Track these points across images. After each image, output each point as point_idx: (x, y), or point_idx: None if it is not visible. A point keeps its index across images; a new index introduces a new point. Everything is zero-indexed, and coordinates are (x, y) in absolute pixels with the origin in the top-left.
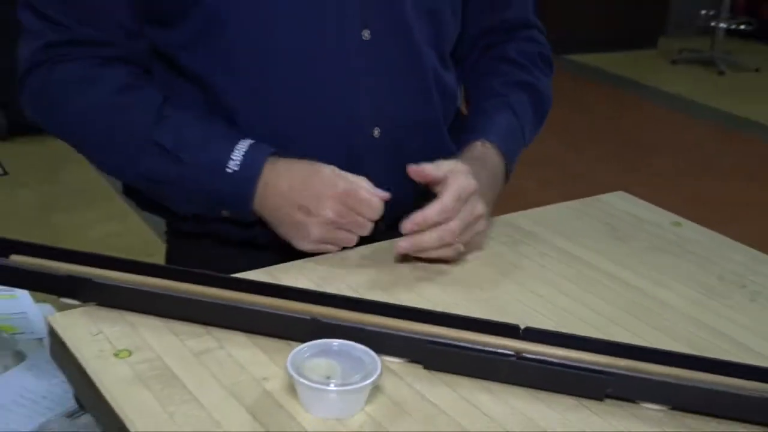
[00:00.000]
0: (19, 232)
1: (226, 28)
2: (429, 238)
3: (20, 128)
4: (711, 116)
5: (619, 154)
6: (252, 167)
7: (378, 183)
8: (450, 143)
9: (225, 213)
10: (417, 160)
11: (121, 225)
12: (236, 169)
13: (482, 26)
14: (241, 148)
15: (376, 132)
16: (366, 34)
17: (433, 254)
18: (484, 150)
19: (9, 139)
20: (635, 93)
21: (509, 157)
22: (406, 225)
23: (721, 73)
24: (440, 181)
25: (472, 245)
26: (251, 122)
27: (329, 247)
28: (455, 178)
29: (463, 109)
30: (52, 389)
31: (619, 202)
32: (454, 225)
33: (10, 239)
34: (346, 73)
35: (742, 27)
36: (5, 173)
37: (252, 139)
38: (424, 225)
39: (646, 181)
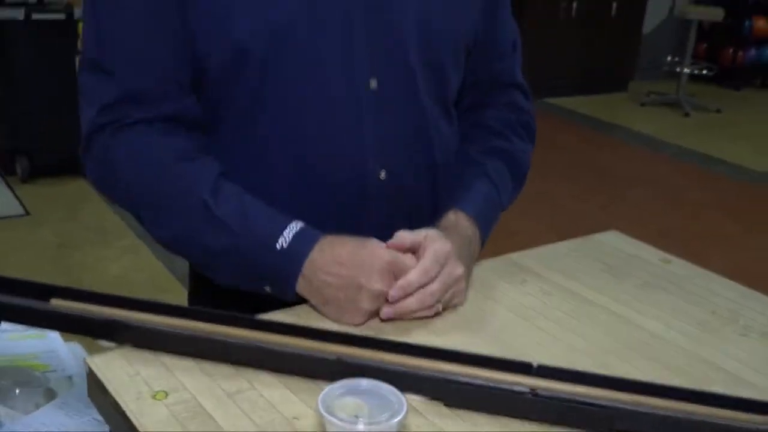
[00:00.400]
0: (41, 269)
1: (245, 77)
2: (410, 302)
3: (41, 171)
4: (679, 154)
5: (595, 190)
6: (302, 246)
7: (384, 224)
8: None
9: (267, 289)
10: (421, 203)
11: (136, 261)
12: (285, 246)
13: (470, 78)
14: (294, 227)
15: (383, 174)
16: (373, 84)
17: (414, 316)
18: (456, 219)
19: (30, 182)
20: (608, 133)
21: (482, 223)
22: (393, 293)
23: (686, 114)
24: (418, 247)
25: (451, 304)
26: (264, 164)
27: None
28: (431, 241)
29: None
30: (83, 427)
31: (612, 240)
32: (434, 287)
33: (50, 284)
34: (355, 119)
35: (704, 72)
36: (27, 213)
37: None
38: (409, 290)
39: (623, 215)
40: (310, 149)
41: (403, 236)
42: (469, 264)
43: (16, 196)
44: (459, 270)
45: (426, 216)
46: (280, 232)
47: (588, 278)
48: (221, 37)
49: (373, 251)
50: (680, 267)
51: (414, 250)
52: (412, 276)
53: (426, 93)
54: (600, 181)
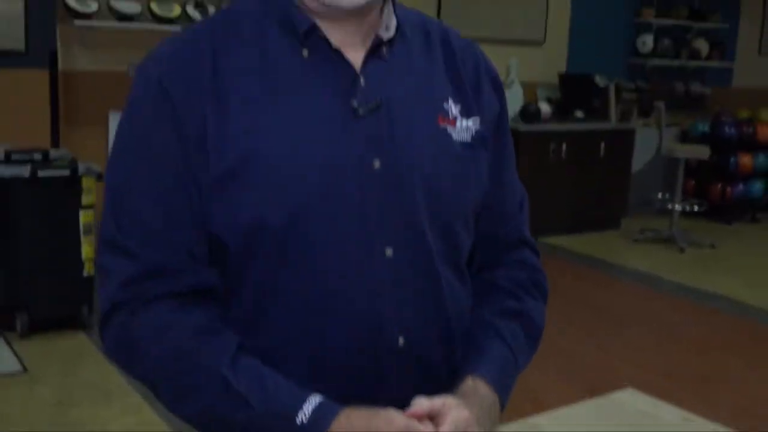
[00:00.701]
0: (39, 428)
1: (264, 250)
2: None
3: (40, 326)
4: (675, 290)
5: (593, 328)
6: (321, 419)
7: (401, 390)
8: (461, 354)
9: None
10: (439, 368)
11: (138, 420)
12: (305, 421)
13: (480, 239)
14: (314, 400)
15: (401, 341)
16: (389, 252)
17: None
18: (474, 385)
19: (29, 337)
20: (603, 271)
21: (500, 388)
22: None
23: (681, 250)
24: (436, 414)
25: None
26: (283, 332)
27: None
28: (450, 409)
29: None
30: None
31: (629, 399)
32: None
33: None
34: (373, 286)
35: (695, 208)
36: (25, 370)
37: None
38: None
39: (624, 356)
40: (330, 317)
41: (421, 403)
42: (490, 431)
43: (14, 353)
44: None
45: (443, 381)
46: (300, 406)
47: None
48: (238, 218)
49: (390, 420)
50: (702, 426)
51: (433, 418)
52: (443, 428)
53: (439, 258)
54: (597, 320)
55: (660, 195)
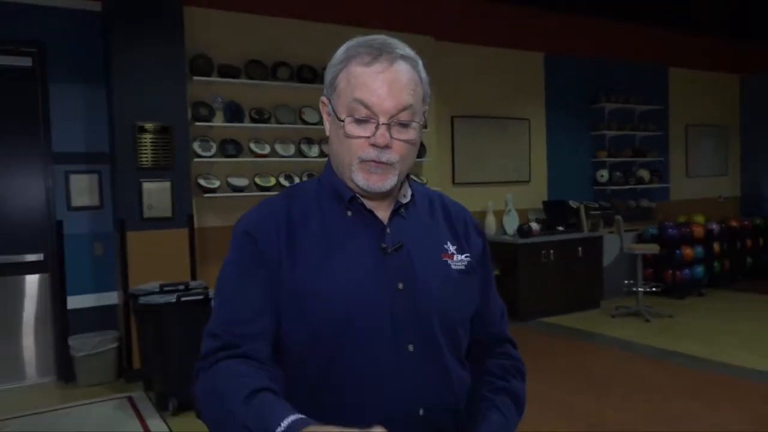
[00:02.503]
0: None
1: (320, 347)
2: None
3: (184, 407)
4: (646, 351)
5: (587, 387)
6: (293, 428)
7: None
8: (466, 421)
9: None
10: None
11: None
12: (282, 430)
13: (474, 338)
14: (291, 418)
15: (421, 411)
16: (411, 348)
17: None
18: None
19: (177, 414)
20: (588, 340)
21: None
22: None
23: (647, 320)
24: None
25: None
26: (340, 401)
27: None
28: None
29: None
30: None
31: None
32: None
33: None
34: (401, 373)
35: (653, 289)
36: None
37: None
38: None
39: (608, 403)
40: (370, 396)
41: None
42: None
43: (168, 427)
44: None
45: None
46: (279, 422)
47: None
48: (305, 326)
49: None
50: None
51: None
52: None
53: (447, 351)
54: (586, 377)
55: (626, 281)
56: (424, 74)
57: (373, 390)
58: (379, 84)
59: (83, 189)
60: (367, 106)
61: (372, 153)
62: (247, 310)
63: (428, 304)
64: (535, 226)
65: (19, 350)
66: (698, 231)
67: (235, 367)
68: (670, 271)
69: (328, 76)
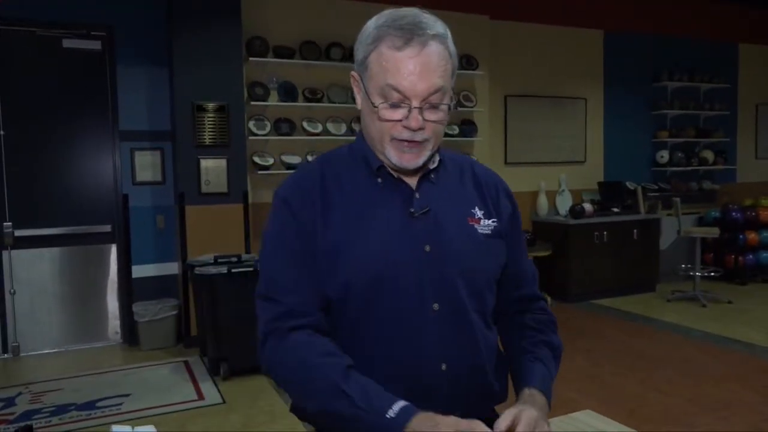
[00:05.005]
0: None
1: (354, 303)
2: None
3: (236, 372)
4: (700, 337)
5: (633, 369)
6: (404, 416)
7: (443, 403)
8: (493, 380)
9: None
10: (471, 390)
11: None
12: (393, 415)
13: (507, 298)
14: (400, 403)
15: (444, 366)
16: (436, 306)
17: None
18: (531, 394)
19: (228, 379)
20: (642, 324)
21: (546, 393)
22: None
23: (703, 305)
24: (515, 420)
25: None
26: (369, 355)
27: None
28: (523, 413)
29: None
30: None
31: (587, 419)
32: None
33: None
34: (425, 330)
35: (713, 273)
36: (224, 402)
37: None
38: None
39: (657, 388)
40: (396, 350)
41: (504, 422)
42: (547, 421)
43: (219, 390)
44: (545, 426)
45: (473, 398)
46: (390, 405)
47: None
48: (338, 280)
49: (456, 422)
50: None
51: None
52: (520, 427)
53: (471, 310)
54: (639, 361)
55: (683, 265)
56: (452, 47)
57: (400, 345)
58: (411, 68)
59: (147, 165)
60: (399, 91)
61: (405, 134)
62: (299, 275)
63: (453, 267)
64: (588, 207)
65: (92, 314)
66: (765, 215)
67: (318, 341)
68: (732, 256)
69: (358, 53)
